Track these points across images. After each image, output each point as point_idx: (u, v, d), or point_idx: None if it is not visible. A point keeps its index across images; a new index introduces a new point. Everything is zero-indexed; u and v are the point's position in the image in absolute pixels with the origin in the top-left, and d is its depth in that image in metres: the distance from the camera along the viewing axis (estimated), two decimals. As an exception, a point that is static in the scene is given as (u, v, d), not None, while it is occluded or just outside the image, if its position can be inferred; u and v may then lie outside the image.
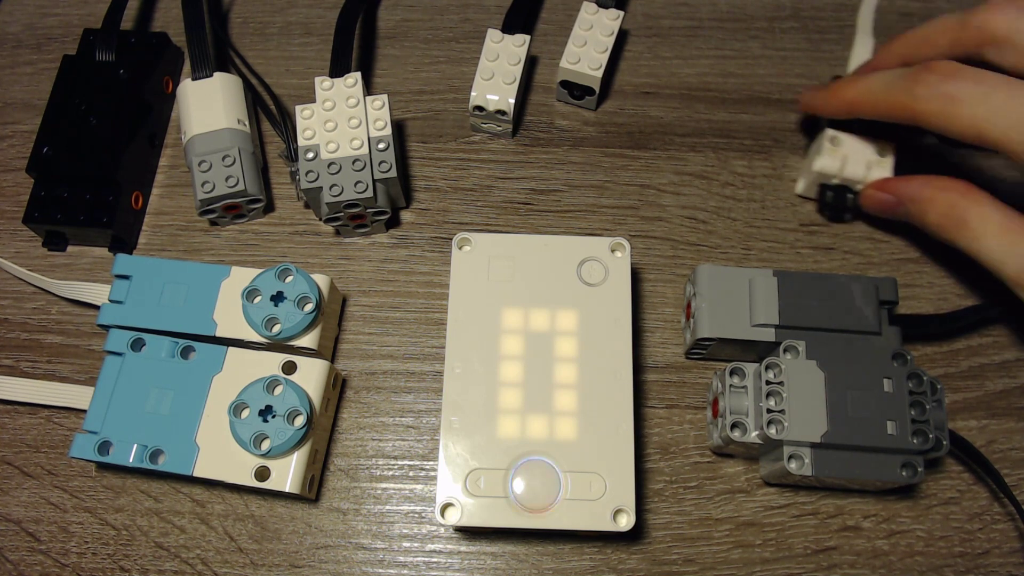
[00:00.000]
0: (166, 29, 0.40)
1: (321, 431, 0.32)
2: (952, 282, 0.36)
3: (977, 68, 0.29)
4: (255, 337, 0.31)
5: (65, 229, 0.35)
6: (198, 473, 0.29)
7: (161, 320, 0.32)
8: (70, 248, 0.36)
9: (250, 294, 0.31)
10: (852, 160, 0.35)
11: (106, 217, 0.34)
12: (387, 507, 0.32)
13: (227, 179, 0.34)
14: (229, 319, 0.31)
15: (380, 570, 0.31)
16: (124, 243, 0.36)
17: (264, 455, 0.29)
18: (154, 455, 0.30)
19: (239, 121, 0.36)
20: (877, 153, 0.35)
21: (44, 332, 0.35)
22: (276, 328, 0.30)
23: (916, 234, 0.37)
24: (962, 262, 0.36)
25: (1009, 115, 0.27)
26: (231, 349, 0.31)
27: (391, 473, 0.33)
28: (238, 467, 0.29)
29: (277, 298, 0.31)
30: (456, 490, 0.28)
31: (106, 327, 0.32)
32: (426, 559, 0.31)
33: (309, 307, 0.31)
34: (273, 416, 0.29)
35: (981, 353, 0.35)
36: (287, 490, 0.29)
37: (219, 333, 0.31)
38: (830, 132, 0.35)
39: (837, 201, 0.36)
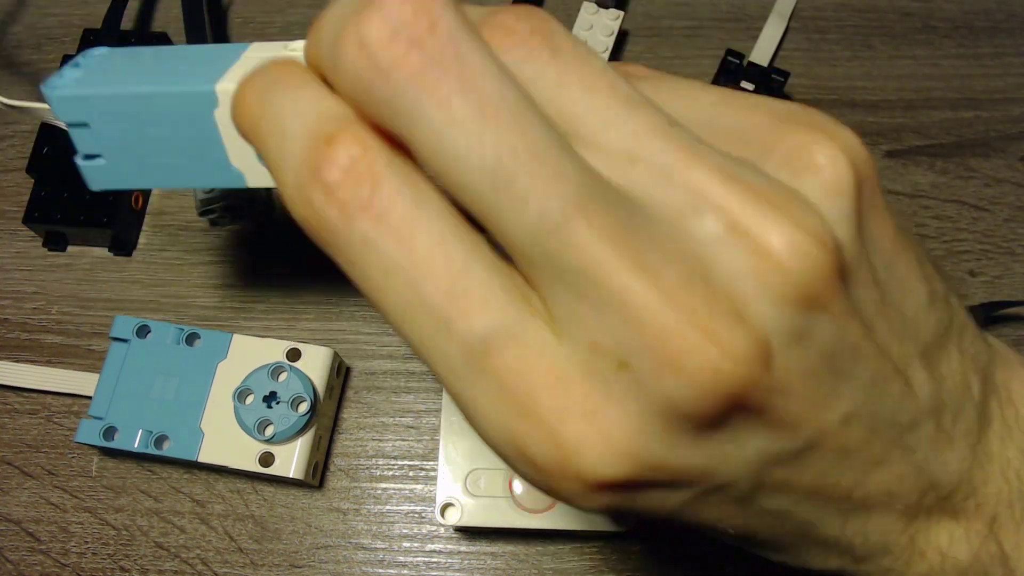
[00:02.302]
0: (166, 29, 0.40)
1: (325, 418, 0.32)
2: (952, 282, 0.36)
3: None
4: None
5: (65, 229, 0.35)
6: (203, 459, 0.30)
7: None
8: (70, 248, 0.36)
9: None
10: None
11: (106, 217, 0.34)
12: (387, 507, 0.32)
13: (227, 179, 0.34)
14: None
15: (380, 570, 0.31)
16: (124, 243, 0.36)
17: (268, 441, 0.29)
18: (159, 440, 0.30)
19: (239, 121, 0.36)
20: None
21: (44, 332, 0.35)
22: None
23: (916, 234, 0.37)
24: (961, 261, 0.36)
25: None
26: (236, 336, 0.31)
27: (391, 473, 0.33)
28: (242, 453, 0.30)
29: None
30: (456, 490, 0.28)
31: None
32: (426, 559, 0.31)
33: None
34: (277, 402, 0.30)
35: (981, 353, 0.35)
36: (291, 476, 0.29)
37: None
38: None
39: None
